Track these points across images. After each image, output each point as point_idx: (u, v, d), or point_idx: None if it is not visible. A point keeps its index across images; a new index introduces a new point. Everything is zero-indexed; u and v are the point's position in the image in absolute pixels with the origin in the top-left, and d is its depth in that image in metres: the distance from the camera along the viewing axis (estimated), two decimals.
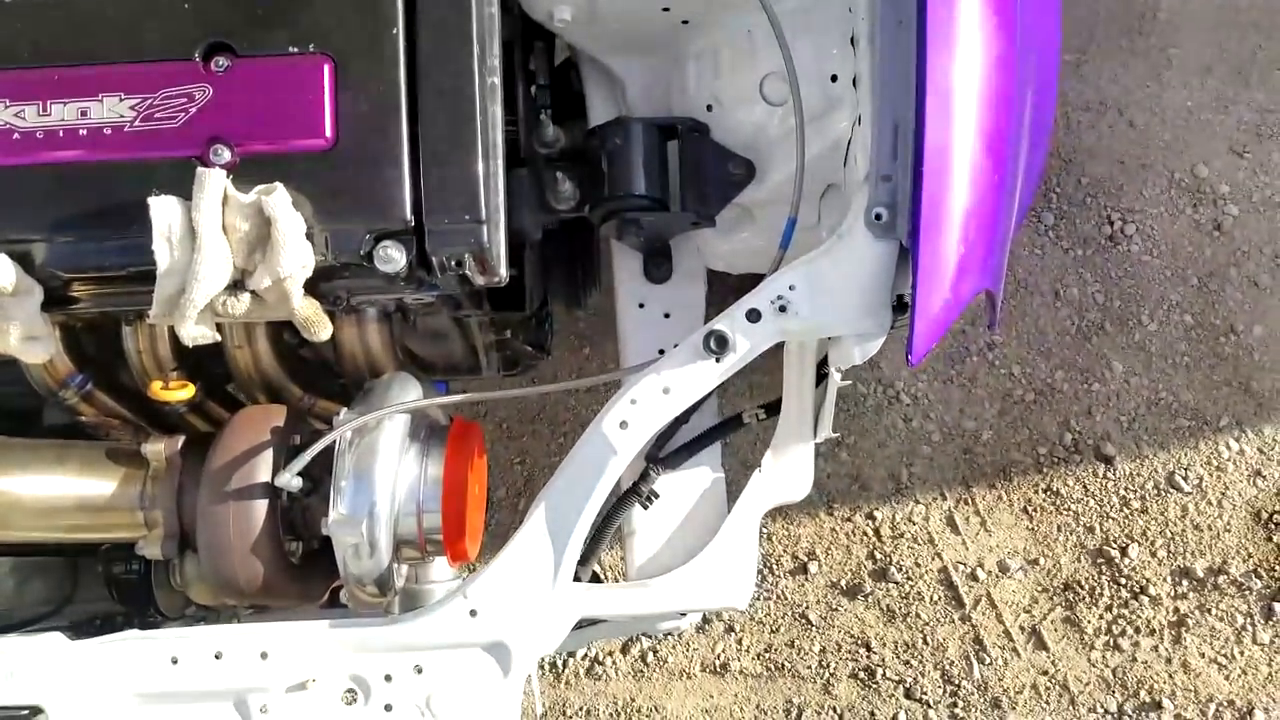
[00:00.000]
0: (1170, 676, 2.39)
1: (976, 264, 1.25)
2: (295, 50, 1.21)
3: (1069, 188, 2.68)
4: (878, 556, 2.47)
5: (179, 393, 1.36)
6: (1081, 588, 2.44)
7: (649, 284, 1.66)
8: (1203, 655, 2.40)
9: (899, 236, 1.24)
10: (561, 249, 1.79)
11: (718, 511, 1.53)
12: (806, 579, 2.45)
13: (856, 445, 2.54)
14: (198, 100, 1.20)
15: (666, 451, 1.51)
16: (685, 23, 1.55)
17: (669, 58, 1.60)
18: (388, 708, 1.21)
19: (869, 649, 2.41)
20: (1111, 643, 2.41)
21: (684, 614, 1.69)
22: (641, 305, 1.65)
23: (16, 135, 1.19)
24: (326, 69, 1.20)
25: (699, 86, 1.56)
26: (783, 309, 1.26)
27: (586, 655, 2.40)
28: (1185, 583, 2.43)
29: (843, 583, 2.45)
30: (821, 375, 1.48)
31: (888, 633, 2.42)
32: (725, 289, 1.71)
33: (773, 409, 1.50)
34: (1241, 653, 2.39)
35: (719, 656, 2.40)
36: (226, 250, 1.15)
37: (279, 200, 1.14)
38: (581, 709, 2.37)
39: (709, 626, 2.43)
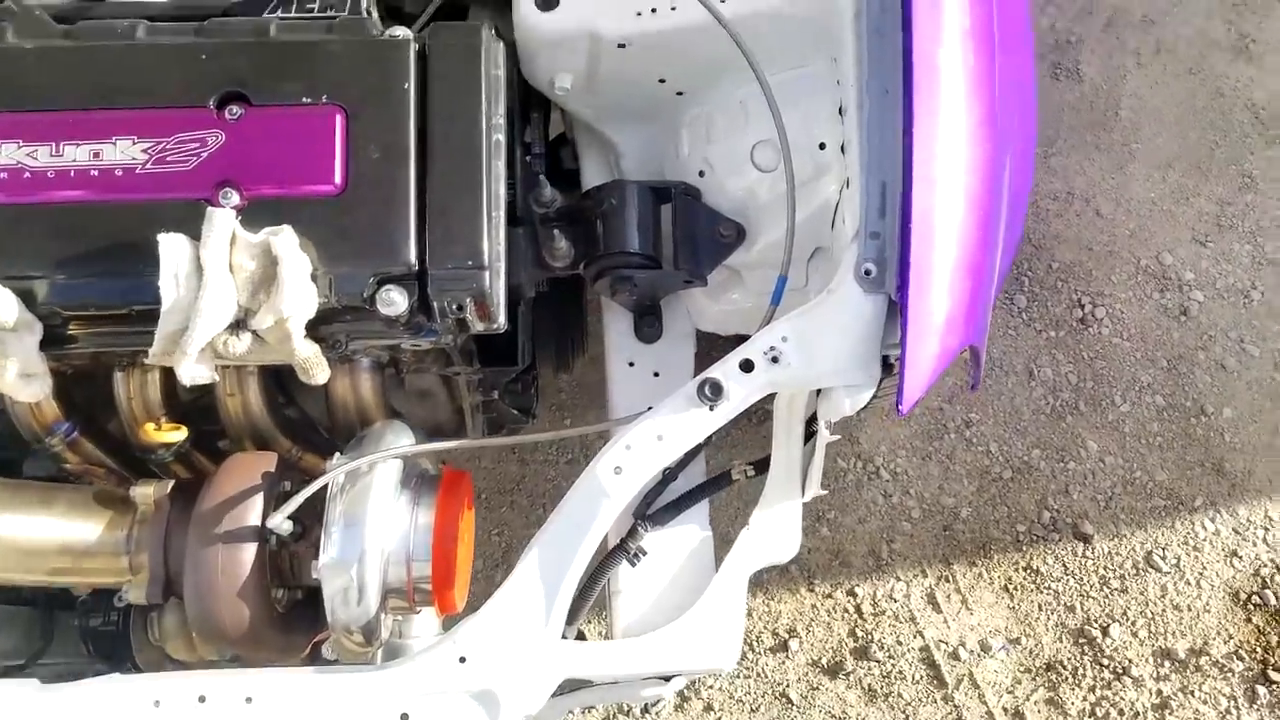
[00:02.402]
0: None
1: (961, 319, 1.29)
2: (308, 101, 1.25)
3: (1040, 271, 2.77)
4: (859, 634, 2.45)
5: (171, 435, 1.35)
6: (1064, 668, 2.43)
7: (639, 343, 1.69)
8: None
9: (887, 291, 1.28)
10: (551, 313, 1.82)
11: (705, 570, 1.53)
12: (787, 656, 2.42)
13: (837, 521, 2.55)
14: (210, 145, 1.23)
15: (655, 508, 1.52)
16: (680, 94, 1.62)
17: (663, 125, 1.67)
18: None
19: None
20: None
21: (668, 679, 1.66)
22: (631, 364, 1.68)
23: (27, 174, 1.22)
24: (339, 119, 1.25)
25: (692, 152, 1.62)
26: (775, 360, 1.29)
27: None
28: (1167, 664, 2.42)
29: (824, 661, 2.43)
30: (809, 433, 1.50)
31: (869, 712, 2.38)
32: (713, 350, 1.75)
33: (761, 466, 1.52)
34: None
35: None
36: (232, 288, 1.16)
37: (286, 241, 1.16)
38: None
39: (687, 705, 2.38)
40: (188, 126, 1.24)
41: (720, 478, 1.54)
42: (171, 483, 1.34)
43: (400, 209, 1.24)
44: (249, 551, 1.26)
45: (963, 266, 1.30)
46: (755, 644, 2.41)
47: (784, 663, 2.41)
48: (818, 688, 2.40)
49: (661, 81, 1.60)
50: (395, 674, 1.20)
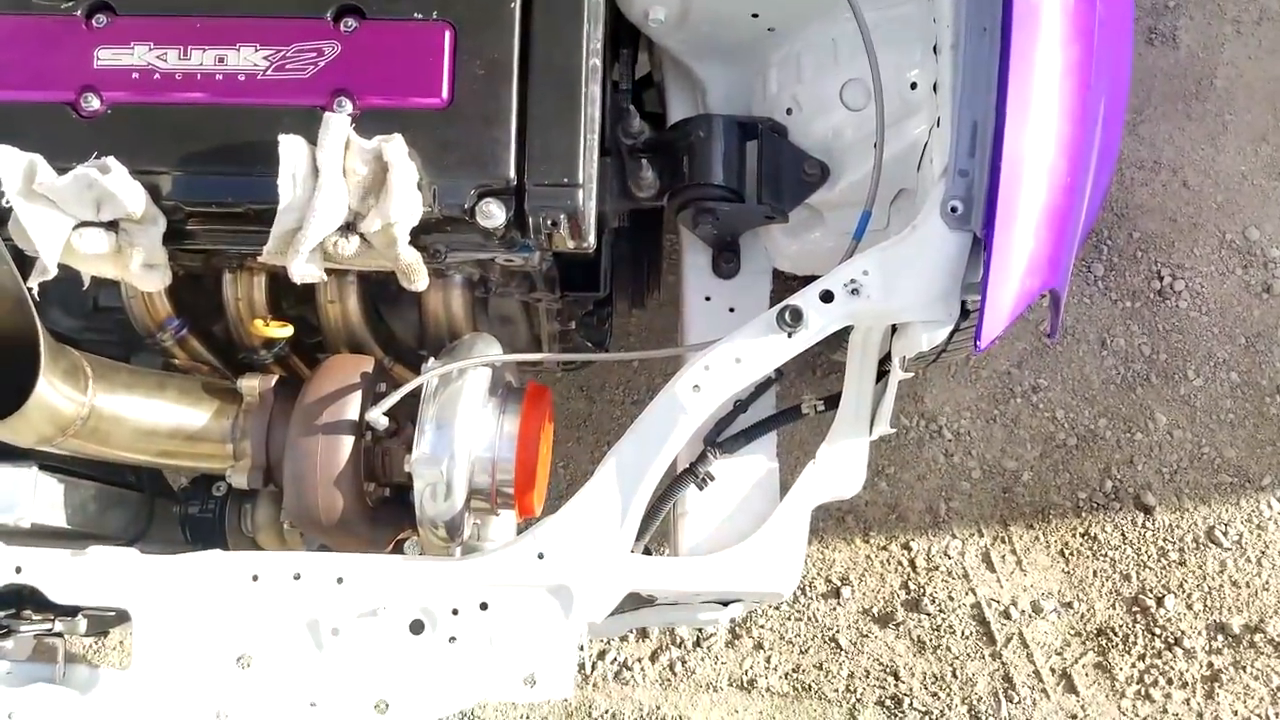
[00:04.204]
0: None
1: (1044, 261, 1.31)
2: (420, 16, 1.30)
3: (1120, 241, 2.73)
4: (911, 587, 2.48)
5: (279, 330, 1.43)
6: (1115, 634, 2.44)
7: (716, 278, 1.72)
8: (1235, 713, 2.37)
9: (973, 228, 1.30)
10: (629, 248, 1.86)
11: (769, 500, 1.57)
12: (839, 603, 2.46)
13: (896, 476, 2.57)
14: (327, 55, 1.29)
15: (725, 436, 1.56)
16: (771, 30, 1.64)
17: (751, 63, 1.69)
18: (452, 639, 1.25)
19: (897, 678, 2.41)
20: (1143, 692, 2.39)
21: (725, 605, 1.72)
22: (708, 298, 1.72)
23: (157, 75, 1.29)
24: (448, 35, 1.30)
25: (780, 90, 1.64)
26: (855, 292, 1.32)
27: (615, 659, 2.41)
28: (1221, 638, 2.41)
29: (875, 610, 2.46)
30: (881, 373, 1.53)
31: (917, 663, 2.42)
32: (787, 293, 1.78)
33: (832, 402, 1.55)
34: (1276, 713, 2.36)
35: (746, 672, 2.41)
36: (344, 191, 1.23)
37: (397, 148, 1.22)
38: (608, 712, 2.38)
39: (738, 642, 2.44)
40: (306, 36, 1.30)
41: (790, 410, 1.58)
42: (275, 378, 1.42)
43: (502, 125, 1.29)
44: (346, 443, 1.33)
45: (1049, 209, 1.31)
46: (808, 589, 2.46)
47: (835, 609, 2.46)
48: (867, 635, 2.44)
49: (754, 16, 1.62)
50: (476, 564, 1.27)
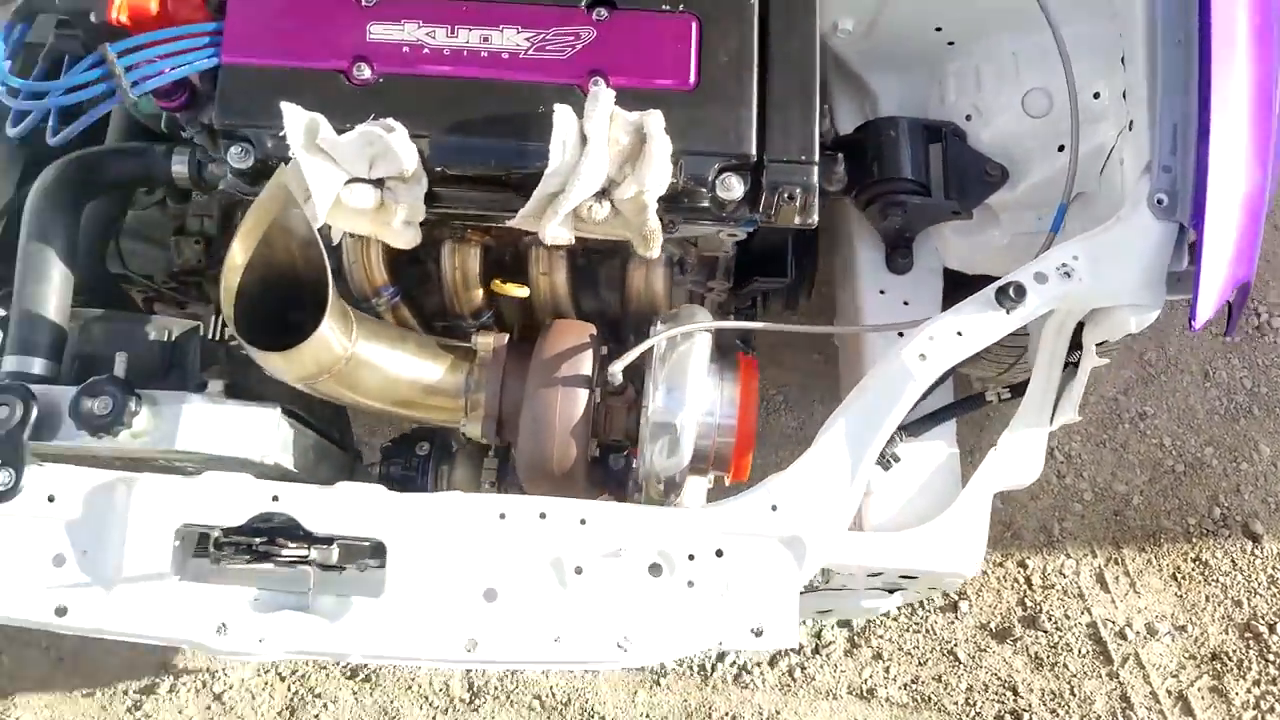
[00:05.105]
0: None
1: (1245, 253, 1.39)
2: (667, 9, 1.41)
3: None
4: (1028, 604, 2.51)
5: (517, 290, 1.52)
6: (1229, 659, 2.46)
7: (890, 274, 1.81)
8: None
9: (1180, 218, 1.39)
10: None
11: (950, 484, 1.62)
12: (956, 617, 2.50)
13: (1010, 495, 2.62)
14: (583, 39, 1.40)
15: (909, 419, 1.63)
16: (950, 44, 1.76)
17: (925, 73, 1.80)
18: (690, 584, 1.31)
19: (1016, 693, 2.43)
20: (1259, 717, 2.41)
21: (892, 592, 1.76)
22: (882, 291, 1.80)
23: (425, 50, 1.40)
24: (694, 25, 1.40)
25: (959, 98, 1.75)
26: (1068, 274, 1.40)
27: (734, 662, 2.44)
28: None
29: (992, 625, 2.50)
30: (1067, 364, 1.60)
31: (1035, 679, 2.44)
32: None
33: (1017, 390, 1.62)
34: None
35: (866, 681, 2.44)
36: (606, 158, 1.32)
37: (657, 121, 1.32)
38: (728, 714, 2.40)
39: (856, 651, 2.47)
40: (563, 22, 1.40)
41: (975, 398, 1.65)
42: (506, 336, 1.51)
43: (744, 106, 1.39)
44: (582, 395, 1.41)
45: (1245, 206, 1.40)
46: (926, 602, 2.49)
47: (953, 623, 2.49)
48: (985, 649, 2.47)
49: (937, 30, 1.73)
50: (713, 512, 1.34)
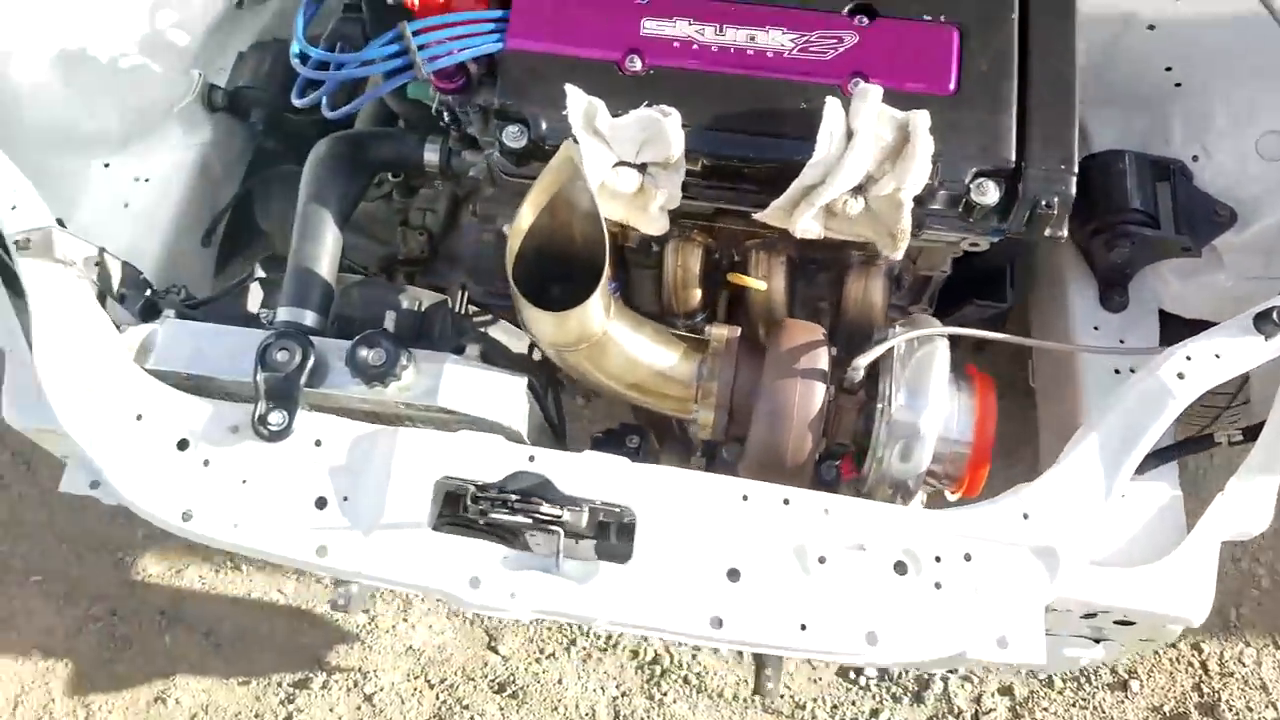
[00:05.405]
0: None
1: None
2: (929, 18, 1.45)
3: None
4: (1204, 690, 2.37)
5: (756, 283, 1.54)
6: None
7: (1104, 311, 1.78)
8: None
9: None
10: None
11: (1175, 527, 1.56)
12: (1126, 697, 2.36)
13: None
14: (845, 43, 1.44)
15: None
16: (1178, 85, 1.75)
17: (1147, 111, 1.79)
18: (937, 585, 1.27)
19: None
20: None
21: (1098, 641, 1.68)
22: (1096, 328, 1.76)
23: (695, 45, 1.45)
24: (955, 35, 1.43)
25: (1185, 139, 1.74)
26: None
27: (889, 718, 2.34)
28: None
29: (1166, 709, 2.35)
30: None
31: None
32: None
33: (1250, 434, 1.55)
34: None
35: None
36: (869, 153, 1.34)
37: (923, 120, 1.33)
38: None
39: None
40: (827, 25, 1.45)
41: (1203, 438, 1.59)
42: (739, 329, 1.52)
43: (1004, 114, 1.40)
44: (820, 390, 1.41)
45: None
46: (1093, 676, 2.37)
47: (1123, 701, 2.35)
48: None
49: (1167, 70, 1.73)
50: (962, 515, 1.30)
